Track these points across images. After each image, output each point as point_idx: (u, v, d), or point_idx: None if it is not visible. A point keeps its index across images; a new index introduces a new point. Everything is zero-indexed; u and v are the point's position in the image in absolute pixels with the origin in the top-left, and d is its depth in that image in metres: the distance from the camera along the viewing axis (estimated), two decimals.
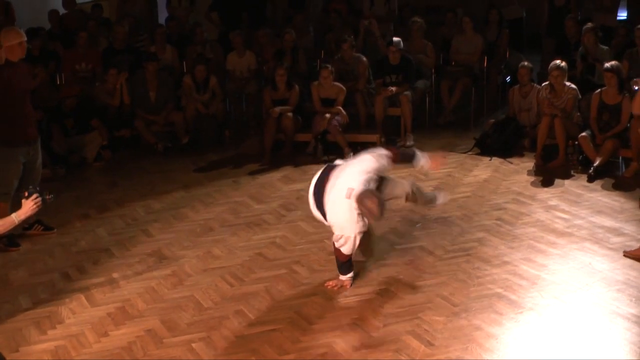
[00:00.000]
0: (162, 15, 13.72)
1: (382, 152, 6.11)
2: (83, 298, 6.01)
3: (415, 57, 10.67)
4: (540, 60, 11.84)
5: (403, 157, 6.34)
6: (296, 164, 9.42)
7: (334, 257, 6.12)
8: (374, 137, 9.93)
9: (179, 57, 11.43)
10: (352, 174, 5.87)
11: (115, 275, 6.42)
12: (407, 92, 10.24)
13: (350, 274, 6.08)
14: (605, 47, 10.09)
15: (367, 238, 6.18)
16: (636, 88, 7.64)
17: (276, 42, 11.42)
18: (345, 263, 6.02)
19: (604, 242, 6.78)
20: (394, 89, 10.16)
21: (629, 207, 7.65)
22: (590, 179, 8.43)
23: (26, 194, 5.11)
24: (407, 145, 9.96)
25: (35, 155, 7.14)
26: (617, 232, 7.01)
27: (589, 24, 10.24)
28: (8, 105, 6.86)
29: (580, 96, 9.21)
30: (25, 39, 7.03)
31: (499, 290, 5.90)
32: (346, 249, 5.89)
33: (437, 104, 11.36)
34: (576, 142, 8.96)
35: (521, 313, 5.55)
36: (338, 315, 5.60)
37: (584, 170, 8.65)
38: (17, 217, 5.11)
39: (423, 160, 6.29)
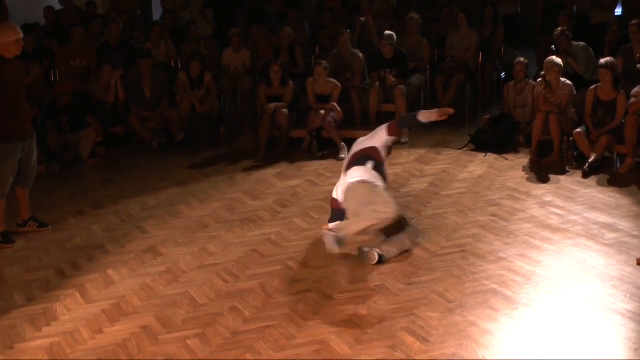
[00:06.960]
0: (157, 12, 13.70)
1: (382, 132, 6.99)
2: (78, 295, 6.00)
3: (410, 55, 10.67)
4: (535, 57, 11.84)
5: (402, 124, 7.60)
6: (291, 160, 9.41)
7: (327, 253, 6.25)
8: (368, 134, 9.92)
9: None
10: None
11: (110, 272, 6.40)
12: (401, 86, 10.23)
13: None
14: (582, 44, 10.05)
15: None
16: None
17: (271, 39, 11.40)
18: None
19: (598, 238, 6.79)
20: (391, 76, 10.17)
21: (623, 203, 7.66)
22: (585, 175, 8.44)
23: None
24: (401, 142, 9.98)
25: (30, 152, 7.12)
26: (612, 228, 7.01)
27: (558, 29, 10.15)
28: (3, 102, 6.84)
29: (575, 92, 9.21)
30: (22, 36, 7.01)
31: (494, 286, 5.90)
32: None
33: (432, 100, 11.35)
34: (571, 138, 8.96)
35: (516, 309, 5.55)
36: (333, 311, 5.59)
37: (579, 166, 8.66)
38: None
39: (423, 116, 6.94)
